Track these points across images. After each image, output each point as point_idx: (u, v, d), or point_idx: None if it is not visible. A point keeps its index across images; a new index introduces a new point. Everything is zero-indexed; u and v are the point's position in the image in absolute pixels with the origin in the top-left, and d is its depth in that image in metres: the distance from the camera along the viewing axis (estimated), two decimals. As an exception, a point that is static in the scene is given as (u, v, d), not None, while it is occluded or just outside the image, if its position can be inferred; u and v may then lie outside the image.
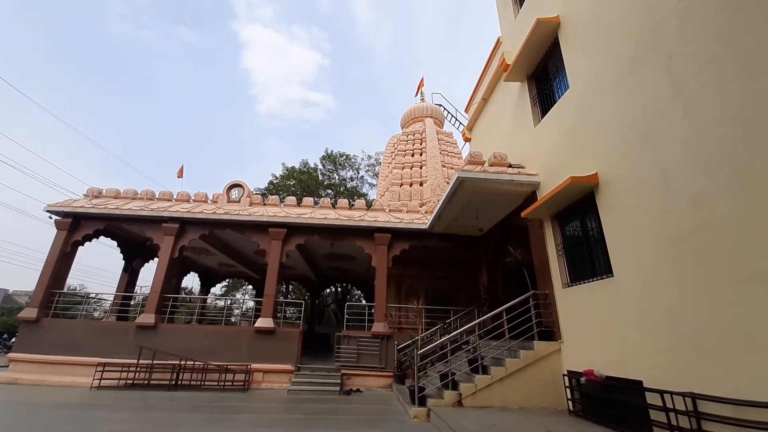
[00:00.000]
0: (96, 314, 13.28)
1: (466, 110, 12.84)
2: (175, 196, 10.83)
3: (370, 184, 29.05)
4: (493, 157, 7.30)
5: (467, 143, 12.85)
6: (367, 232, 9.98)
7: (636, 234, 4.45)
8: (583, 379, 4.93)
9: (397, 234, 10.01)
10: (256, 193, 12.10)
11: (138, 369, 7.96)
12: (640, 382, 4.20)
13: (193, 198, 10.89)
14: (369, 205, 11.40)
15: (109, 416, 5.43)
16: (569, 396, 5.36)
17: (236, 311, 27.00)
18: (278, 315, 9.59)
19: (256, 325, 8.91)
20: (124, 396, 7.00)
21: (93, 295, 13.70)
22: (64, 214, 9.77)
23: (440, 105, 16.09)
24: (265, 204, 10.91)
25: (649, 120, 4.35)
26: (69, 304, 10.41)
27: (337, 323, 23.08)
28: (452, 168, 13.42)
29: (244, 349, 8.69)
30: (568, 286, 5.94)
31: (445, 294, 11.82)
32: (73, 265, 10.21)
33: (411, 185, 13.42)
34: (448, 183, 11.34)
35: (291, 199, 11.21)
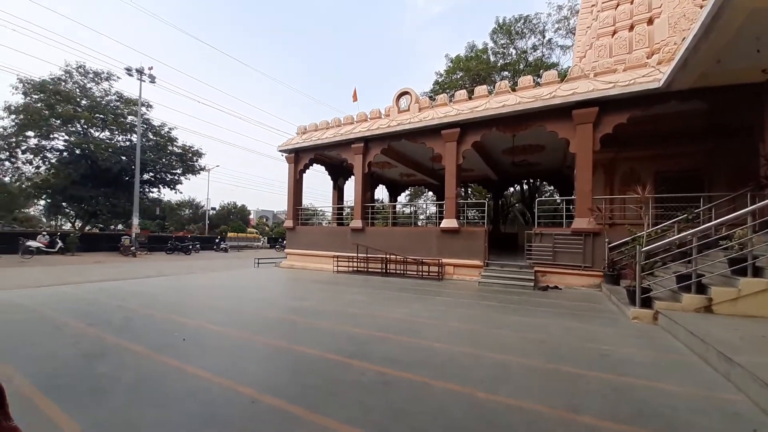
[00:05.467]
0: (324, 223, 18.44)
1: None
2: (355, 118, 12.58)
3: (561, 47, 23.60)
4: None
5: None
6: (562, 111, 8.43)
7: None
8: None
9: (607, 105, 7.97)
10: (423, 97, 12.28)
11: (358, 260, 10.78)
12: None
13: (369, 116, 12.31)
14: (563, 77, 9.29)
15: (347, 290, 7.79)
16: None
17: (421, 216, 30.78)
18: (460, 217, 10.20)
19: (441, 225, 9.90)
20: (353, 278, 9.87)
21: (319, 210, 19.26)
22: (289, 151, 13.52)
23: None
24: (433, 106, 10.92)
25: None
26: (307, 216, 15.00)
27: (524, 223, 22.53)
28: (709, -22, 8.71)
29: (433, 246, 10.03)
30: None
31: (688, 177, 9.02)
32: (304, 190, 14.39)
33: (631, 29, 9.87)
34: (701, 6, 7.73)
35: (461, 93, 10.66)
